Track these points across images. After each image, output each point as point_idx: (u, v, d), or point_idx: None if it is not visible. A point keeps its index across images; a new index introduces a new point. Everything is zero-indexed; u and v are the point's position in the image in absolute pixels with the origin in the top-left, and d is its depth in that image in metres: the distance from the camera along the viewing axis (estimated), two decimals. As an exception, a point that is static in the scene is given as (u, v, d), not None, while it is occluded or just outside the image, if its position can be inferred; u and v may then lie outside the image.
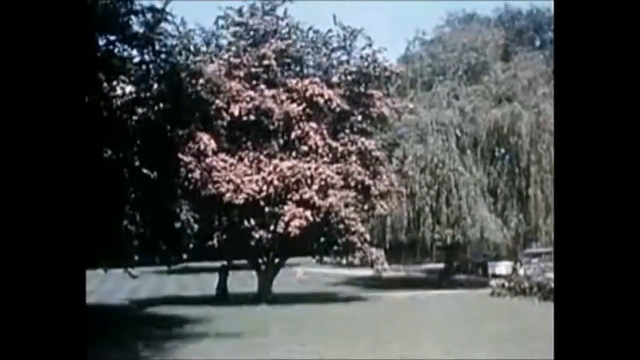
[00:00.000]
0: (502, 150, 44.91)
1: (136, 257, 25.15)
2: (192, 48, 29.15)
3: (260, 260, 34.16)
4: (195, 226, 25.50)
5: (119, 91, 22.04)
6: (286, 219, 29.64)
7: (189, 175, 28.20)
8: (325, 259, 37.59)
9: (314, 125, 31.76)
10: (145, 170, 21.39)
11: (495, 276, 39.69)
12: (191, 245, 27.92)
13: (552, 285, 30.95)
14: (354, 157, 32.66)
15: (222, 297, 33.96)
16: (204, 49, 32.65)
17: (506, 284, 34.26)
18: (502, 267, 42.69)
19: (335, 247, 32.98)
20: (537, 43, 67.61)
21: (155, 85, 23.38)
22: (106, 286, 37.62)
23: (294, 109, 31.45)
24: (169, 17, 22.80)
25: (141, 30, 21.91)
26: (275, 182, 30.18)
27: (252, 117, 30.94)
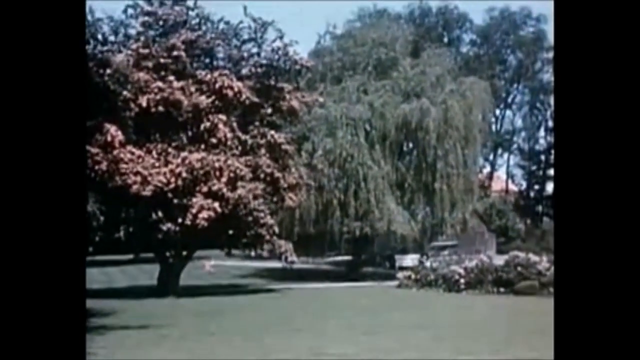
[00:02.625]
0: (410, 145, 45.74)
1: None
2: (99, 37, 28.70)
3: (167, 253, 33.84)
4: (102, 218, 25.06)
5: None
6: (194, 211, 29.41)
7: (96, 167, 27.67)
8: (234, 251, 37.54)
9: (223, 117, 31.58)
10: (50, 161, 20.90)
11: (402, 268, 40.28)
12: (97, 238, 27.44)
13: (456, 277, 31.79)
14: (263, 150, 32.65)
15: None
16: (112, 38, 32.17)
17: (413, 276, 34.81)
18: (409, 260, 43.39)
19: (244, 240, 32.89)
20: (446, 40, 68.94)
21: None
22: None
23: (203, 101, 31.23)
24: (76, 5, 22.31)
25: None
26: (184, 174, 29.91)
27: (160, 109, 30.50)
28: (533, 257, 30.97)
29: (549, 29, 72.11)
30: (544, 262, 30.42)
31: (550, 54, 73.85)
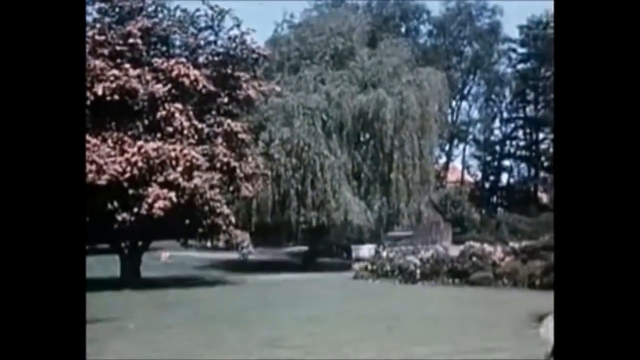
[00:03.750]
0: (367, 135, 45.86)
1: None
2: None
3: (123, 244, 33.51)
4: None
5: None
6: (150, 200, 29.13)
7: (49, 156, 27.26)
8: (191, 242, 37.33)
9: (179, 106, 31.33)
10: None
11: (358, 259, 40.39)
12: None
13: (412, 267, 31.96)
14: (220, 139, 32.49)
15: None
16: (66, 24, 31.65)
17: (369, 267, 34.91)
18: (366, 250, 43.47)
19: (200, 230, 32.71)
20: (403, 30, 69.27)
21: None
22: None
23: (159, 89, 30.92)
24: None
25: None
26: (140, 164, 29.56)
27: (116, 97, 30.09)
28: (488, 248, 31.29)
29: (504, 20, 72.99)
30: (498, 253, 30.81)
31: (506, 46, 74.87)
